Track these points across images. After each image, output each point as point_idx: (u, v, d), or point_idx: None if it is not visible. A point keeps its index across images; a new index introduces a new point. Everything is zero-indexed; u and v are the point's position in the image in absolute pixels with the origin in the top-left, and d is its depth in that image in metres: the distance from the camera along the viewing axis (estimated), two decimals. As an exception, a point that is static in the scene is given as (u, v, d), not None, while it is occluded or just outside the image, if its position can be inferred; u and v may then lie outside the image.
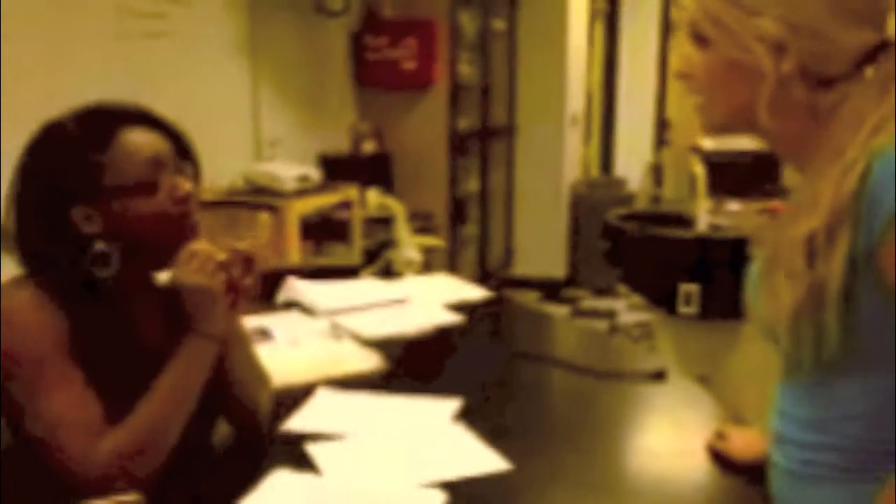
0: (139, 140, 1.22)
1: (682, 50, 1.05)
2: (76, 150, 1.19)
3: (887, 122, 0.89)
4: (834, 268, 0.89)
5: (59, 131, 1.21)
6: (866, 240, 0.88)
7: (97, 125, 1.21)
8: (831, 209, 0.89)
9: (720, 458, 1.34)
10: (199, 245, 1.24)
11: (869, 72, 0.94)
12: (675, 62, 1.07)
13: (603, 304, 5.72)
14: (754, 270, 1.06)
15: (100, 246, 1.19)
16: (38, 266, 1.21)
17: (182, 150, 1.28)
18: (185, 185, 1.24)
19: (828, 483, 0.99)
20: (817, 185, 0.92)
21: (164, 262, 1.28)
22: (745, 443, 1.33)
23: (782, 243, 0.95)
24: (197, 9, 3.52)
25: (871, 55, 0.94)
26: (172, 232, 1.24)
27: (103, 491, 1.04)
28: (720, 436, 1.37)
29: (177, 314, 1.30)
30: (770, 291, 0.97)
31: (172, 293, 1.31)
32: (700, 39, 1.01)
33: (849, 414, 0.97)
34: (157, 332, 1.31)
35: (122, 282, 1.24)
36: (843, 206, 0.88)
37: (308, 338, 1.91)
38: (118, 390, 1.19)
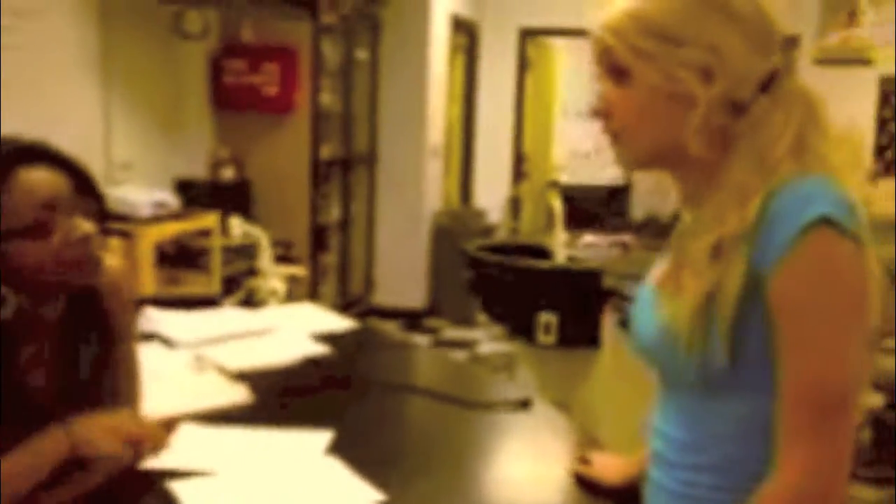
0: (34, 181, 1.17)
1: (600, 88, 1.05)
2: None
3: (781, 164, 0.96)
4: (731, 275, 0.95)
5: None
6: (761, 264, 0.94)
7: None
8: (733, 227, 0.95)
9: (584, 483, 1.38)
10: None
11: (766, 102, 0.99)
12: (593, 100, 1.06)
13: (463, 334, 5.79)
14: (644, 290, 1.11)
15: None
16: None
17: (84, 188, 1.23)
18: (83, 226, 1.19)
19: (707, 502, 1.03)
20: (720, 207, 0.97)
21: (49, 300, 1.25)
22: (609, 467, 1.38)
23: (691, 247, 1.00)
24: (45, 24, 3.35)
25: (768, 82, 1.00)
26: (68, 274, 1.20)
27: None
28: (583, 460, 1.41)
29: (64, 361, 1.25)
30: (675, 290, 1.01)
31: (62, 337, 1.25)
32: (620, 74, 1.02)
33: (727, 434, 1.02)
34: (43, 380, 1.24)
35: (12, 324, 1.19)
36: (744, 228, 0.94)
37: (169, 371, 1.83)
38: None
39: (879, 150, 6.51)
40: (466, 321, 5.91)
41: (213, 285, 3.67)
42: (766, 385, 0.97)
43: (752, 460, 1.00)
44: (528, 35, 7.48)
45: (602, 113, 1.05)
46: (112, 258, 1.35)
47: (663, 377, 1.10)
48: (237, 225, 2.94)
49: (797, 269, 0.92)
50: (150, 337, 2.06)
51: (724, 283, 0.95)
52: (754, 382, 0.98)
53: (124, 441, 1.23)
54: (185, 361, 1.89)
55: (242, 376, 1.82)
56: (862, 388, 0.96)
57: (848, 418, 0.93)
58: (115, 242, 3.48)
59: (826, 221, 0.91)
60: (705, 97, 0.98)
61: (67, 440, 1.19)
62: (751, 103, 0.99)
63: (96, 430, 1.22)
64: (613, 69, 1.02)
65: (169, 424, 1.34)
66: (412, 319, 5.99)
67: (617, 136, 1.05)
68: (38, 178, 1.18)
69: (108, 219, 1.28)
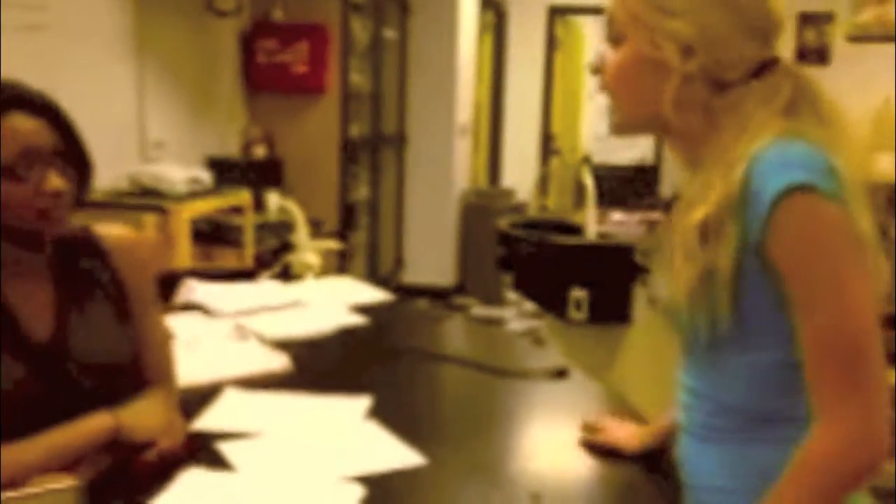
0: (19, 127, 1.20)
1: (599, 47, 1.13)
2: None
3: (764, 129, 0.99)
4: (724, 252, 0.98)
5: None
6: (750, 233, 0.97)
7: None
8: (719, 200, 0.98)
9: (603, 450, 1.40)
10: None
11: (755, 84, 1.04)
12: (591, 57, 1.15)
13: (492, 311, 5.81)
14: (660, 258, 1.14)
15: None
16: None
17: (69, 150, 1.26)
18: (54, 182, 1.22)
19: (719, 443, 1.09)
20: (708, 179, 1.02)
21: (35, 248, 1.28)
22: (628, 433, 1.40)
23: (680, 228, 1.04)
24: (79, 2, 3.38)
25: (761, 68, 1.05)
26: (32, 222, 1.22)
27: None
28: (591, 428, 1.44)
29: (71, 313, 1.28)
30: (671, 272, 1.05)
31: (59, 287, 1.29)
32: (615, 37, 1.10)
33: (732, 384, 1.07)
34: (49, 328, 1.27)
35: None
36: (730, 199, 0.97)
37: (211, 339, 1.87)
38: None
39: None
40: (495, 299, 5.93)
41: (246, 261, 3.71)
42: (770, 341, 1.02)
43: (759, 408, 1.05)
44: (557, 13, 7.45)
45: (594, 69, 1.13)
46: (125, 229, 1.40)
47: (679, 337, 1.15)
48: (274, 199, 2.97)
49: (784, 233, 0.95)
50: (191, 307, 2.10)
51: (717, 263, 0.99)
52: (759, 339, 1.03)
53: (166, 430, 1.27)
54: (226, 330, 1.93)
55: (282, 345, 1.86)
56: (879, 334, 0.97)
57: (873, 363, 0.95)
58: (149, 218, 3.54)
59: (801, 188, 0.93)
60: (680, 70, 1.04)
61: (114, 423, 1.23)
62: (737, 84, 1.04)
63: (143, 418, 1.26)
64: (612, 30, 1.10)
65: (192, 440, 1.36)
66: (441, 297, 6.02)
67: (610, 98, 1.13)
68: (24, 126, 1.20)
69: (87, 185, 1.31)
